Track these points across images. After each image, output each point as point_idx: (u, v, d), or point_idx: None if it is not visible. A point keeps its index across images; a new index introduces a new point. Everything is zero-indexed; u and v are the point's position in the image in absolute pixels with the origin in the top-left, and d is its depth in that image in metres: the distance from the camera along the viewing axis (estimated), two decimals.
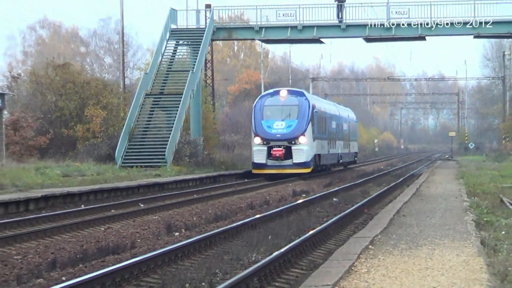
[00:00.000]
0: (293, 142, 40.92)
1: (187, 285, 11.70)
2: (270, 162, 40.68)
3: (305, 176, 41.24)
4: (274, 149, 40.69)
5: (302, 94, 44.28)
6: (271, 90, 48.02)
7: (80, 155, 41.54)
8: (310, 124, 42.16)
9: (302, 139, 41.08)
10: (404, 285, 10.52)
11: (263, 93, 47.89)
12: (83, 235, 17.36)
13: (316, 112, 44.23)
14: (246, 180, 39.87)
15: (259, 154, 41.09)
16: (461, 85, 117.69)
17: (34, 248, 15.25)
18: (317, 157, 44.37)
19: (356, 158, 65.00)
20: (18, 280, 11.82)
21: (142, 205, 25.08)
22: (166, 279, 12.04)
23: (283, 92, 43.84)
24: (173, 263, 13.35)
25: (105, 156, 40.83)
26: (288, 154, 40.75)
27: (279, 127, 41.12)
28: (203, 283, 11.81)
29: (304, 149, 41.14)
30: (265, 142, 40.98)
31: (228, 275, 12.28)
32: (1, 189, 25.86)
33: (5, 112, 39.71)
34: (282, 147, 40.72)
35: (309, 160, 41.47)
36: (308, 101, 43.07)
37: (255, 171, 41.45)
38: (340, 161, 55.16)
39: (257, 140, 41.27)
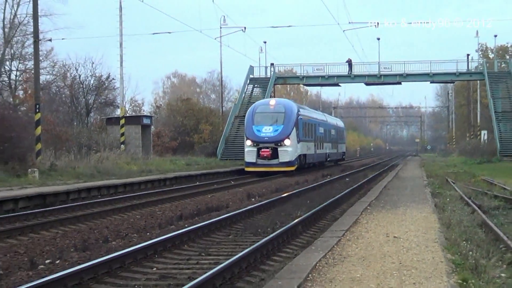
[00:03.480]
0: (279, 144, 44.90)
1: (258, 230, 16.62)
2: (259, 161, 44.84)
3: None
4: (262, 150, 44.84)
5: (288, 103, 49.08)
6: (263, 100, 54.16)
7: (196, 152, 60.96)
8: (294, 129, 45.91)
9: (287, 141, 45.01)
10: (389, 230, 14.61)
11: (256, 102, 51.74)
12: (198, 200, 25.18)
13: (301, 118, 48.27)
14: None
15: (250, 154, 45.34)
16: (422, 111, 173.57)
17: (169, 207, 22.51)
18: (302, 156, 48.24)
19: (344, 157, 76.08)
20: (159, 226, 17.67)
21: (232, 182, 36.92)
22: (246, 225, 17.70)
23: (272, 101, 49.25)
24: (250, 216, 19.53)
25: (211, 153, 59.76)
26: (275, 154, 44.82)
27: (267, 131, 45.29)
28: (268, 228, 16.62)
29: (289, 150, 44.93)
30: (255, 144, 45.22)
31: (284, 224, 16.95)
32: (150, 172, 38.26)
33: (152, 127, 55.42)
34: (270, 148, 44.83)
35: (293, 159, 45.34)
36: (293, 109, 47.22)
37: (247, 169, 45.37)
38: (328, 159, 61.99)
39: (248, 142, 45.58)
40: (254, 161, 45.11)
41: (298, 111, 48.62)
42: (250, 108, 49.63)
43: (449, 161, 71.06)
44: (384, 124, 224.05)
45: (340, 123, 77.31)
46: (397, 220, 16.65)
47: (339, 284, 9.30)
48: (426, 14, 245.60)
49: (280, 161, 44.90)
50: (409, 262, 10.82)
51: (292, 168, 45.21)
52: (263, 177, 41.95)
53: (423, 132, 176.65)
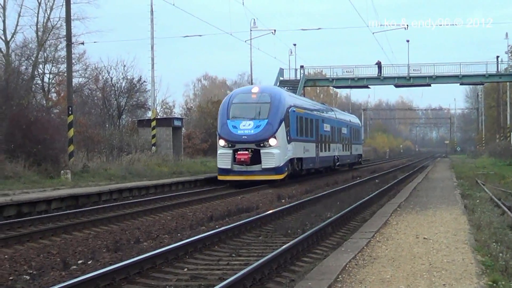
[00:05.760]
0: (261, 145, 34.02)
1: (289, 231, 16.61)
2: (236, 168, 33.98)
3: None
4: (239, 152, 33.85)
5: (276, 91, 37.41)
6: (243, 87, 41.74)
7: None
8: (283, 124, 35.01)
9: (272, 141, 34.10)
10: (419, 231, 14.48)
11: (234, 90, 40.62)
12: (228, 201, 25.34)
13: (294, 111, 37.29)
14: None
15: (223, 159, 34.30)
16: (452, 112, 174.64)
17: (199, 208, 22.72)
18: (296, 161, 37.49)
19: (360, 160, 65.49)
20: (190, 227, 17.82)
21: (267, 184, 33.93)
22: (276, 226, 17.76)
23: (255, 88, 37.31)
24: (280, 218, 19.63)
25: None
26: (256, 158, 33.98)
27: (246, 127, 34.31)
28: (298, 230, 16.58)
29: (275, 153, 33.96)
30: (230, 145, 34.22)
31: (314, 225, 17.01)
32: (181, 174, 38.25)
33: (183, 129, 55.14)
34: (249, 150, 33.93)
35: (281, 165, 34.32)
36: (283, 99, 36.13)
37: (220, 178, 34.59)
38: (338, 163, 50.80)
39: (221, 142, 34.53)
40: (228, 167, 34.11)
41: (291, 101, 37.95)
42: (226, 98, 38.21)
43: (479, 162, 70.60)
44: (414, 126, 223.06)
45: (354, 119, 66.42)
46: (426, 221, 16.63)
47: (369, 285, 9.33)
48: (456, 16, 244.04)
49: (263, 167, 33.93)
50: (439, 264, 10.80)
51: (280, 177, 34.62)
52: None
53: (453, 134, 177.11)
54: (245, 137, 34.00)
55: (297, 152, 37.41)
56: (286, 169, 34.99)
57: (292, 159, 36.34)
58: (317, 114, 44.81)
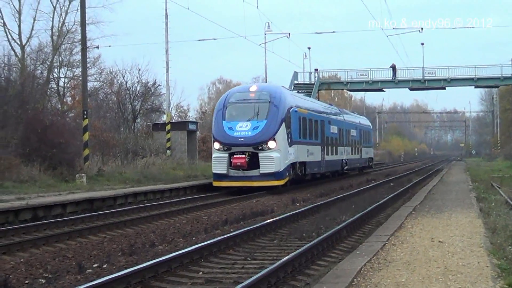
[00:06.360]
0: (260, 148, 31.58)
1: (304, 234, 16.50)
2: (232, 173, 31.70)
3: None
4: (235, 156, 31.46)
5: (276, 90, 34.40)
6: (240, 86, 38.26)
7: None
8: (283, 126, 32.52)
9: (271, 144, 31.62)
10: (434, 235, 14.47)
11: (231, 89, 37.16)
12: (243, 205, 25.40)
13: (296, 111, 34.73)
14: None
15: (218, 163, 32.04)
16: (467, 115, 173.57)
17: (214, 212, 22.80)
18: (299, 165, 34.95)
19: (371, 164, 63.17)
20: (205, 231, 17.80)
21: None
22: (291, 230, 17.74)
23: (253, 87, 34.58)
24: (295, 221, 19.62)
25: None
26: (254, 162, 31.51)
27: (243, 129, 31.94)
28: (313, 233, 16.51)
29: (274, 156, 31.49)
30: (225, 148, 31.93)
31: (328, 228, 16.96)
32: (196, 177, 37.89)
33: (198, 132, 55.50)
34: (246, 153, 31.51)
35: (281, 169, 31.81)
36: (283, 99, 33.49)
37: (215, 184, 32.31)
38: (346, 167, 48.36)
39: (216, 145, 32.33)
40: (224, 172, 31.83)
41: (292, 101, 35.28)
42: (221, 97, 35.37)
43: (494, 165, 70.50)
44: (429, 129, 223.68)
45: (364, 121, 63.35)
46: (442, 224, 16.62)
47: None
48: (470, 18, 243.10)
49: (261, 172, 31.46)
50: (454, 267, 10.78)
51: (281, 182, 32.21)
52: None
53: (468, 137, 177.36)
54: (242, 139, 31.66)
55: (299, 155, 34.96)
56: (287, 174, 32.67)
57: (294, 163, 33.93)
58: (322, 115, 42.35)
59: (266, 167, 31.33)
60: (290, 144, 33.23)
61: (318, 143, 39.52)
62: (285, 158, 32.38)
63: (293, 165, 33.65)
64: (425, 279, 9.90)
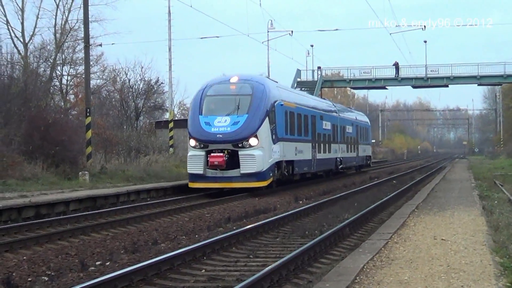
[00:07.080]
0: (240, 145, 28.50)
1: (306, 232, 16.54)
2: (210, 173, 28.56)
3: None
4: (212, 154, 28.28)
5: (259, 82, 30.93)
6: (220, 77, 33.56)
7: None
8: (267, 121, 29.34)
9: (252, 141, 28.55)
10: (437, 233, 14.42)
11: (209, 80, 32.04)
12: (245, 202, 25.36)
13: (282, 105, 31.43)
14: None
15: (194, 162, 28.82)
16: (470, 113, 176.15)
17: (217, 210, 22.79)
18: (284, 164, 31.43)
19: (369, 162, 59.13)
20: (208, 228, 17.84)
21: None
22: (294, 228, 17.74)
23: (234, 78, 30.78)
24: (298, 219, 19.63)
25: None
26: (234, 161, 28.46)
27: (221, 124, 28.79)
28: (316, 231, 16.49)
29: (256, 155, 28.38)
30: (201, 145, 28.75)
31: (331, 226, 17.02)
32: None
33: None
34: (225, 152, 28.37)
35: (264, 169, 28.69)
36: (267, 91, 30.08)
37: (191, 185, 29.22)
38: (341, 166, 44.64)
39: (192, 142, 29.00)
40: (200, 172, 28.65)
41: (277, 94, 31.67)
42: (198, 90, 31.30)
43: (497, 163, 70.43)
44: (431, 127, 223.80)
45: (362, 117, 59.35)
46: (444, 222, 16.59)
47: (386, 286, 9.31)
48: (473, 16, 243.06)
49: (242, 172, 28.40)
50: (457, 265, 10.75)
51: (263, 183, 29.04)
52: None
53: (471, 135, 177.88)
54: (220, 135, 28.50)
55: (286, 153, 31.57)
56: (271, 174, 29.40)
57: (279, 162, 30.60)
58: (313, 110, 38.48)
59: (247, 166, 28.32)
60: (275, 141, 30.07)
61: (308, 140, 36.36)
62: (269, 156, 29.30)
63: (278, 164, 30.51)
64: (427, 277, 9.88)
